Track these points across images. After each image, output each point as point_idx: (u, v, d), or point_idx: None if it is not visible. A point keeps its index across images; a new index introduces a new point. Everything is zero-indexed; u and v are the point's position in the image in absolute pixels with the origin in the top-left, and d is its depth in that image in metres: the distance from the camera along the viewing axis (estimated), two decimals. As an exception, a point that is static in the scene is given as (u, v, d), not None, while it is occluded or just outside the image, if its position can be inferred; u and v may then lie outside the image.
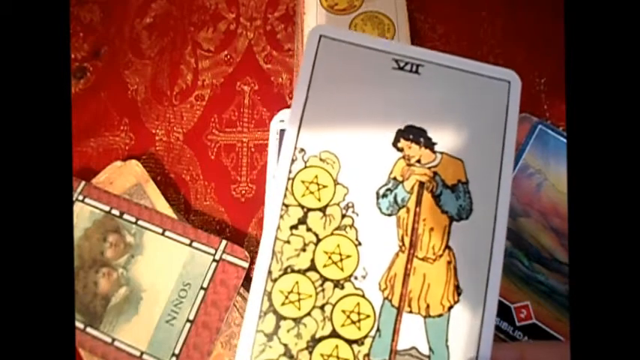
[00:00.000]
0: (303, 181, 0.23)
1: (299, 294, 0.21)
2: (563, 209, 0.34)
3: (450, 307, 0.22)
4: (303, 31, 0.37)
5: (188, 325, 0.34)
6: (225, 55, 0.45)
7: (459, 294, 0.22)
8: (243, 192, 0.40)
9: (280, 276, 0.22)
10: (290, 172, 0.23)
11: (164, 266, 0.35)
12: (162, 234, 0.36)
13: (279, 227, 0.22)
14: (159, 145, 0.43)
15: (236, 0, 0.46)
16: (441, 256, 0.22)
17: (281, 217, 0.22)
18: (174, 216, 0.37)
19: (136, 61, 0.45)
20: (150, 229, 0.36)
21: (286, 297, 0.21)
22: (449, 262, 0.22)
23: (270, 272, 0.22)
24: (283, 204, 0.22)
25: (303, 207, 0.22)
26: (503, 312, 0.33)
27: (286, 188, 0.22)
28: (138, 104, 0.44)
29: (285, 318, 0.21)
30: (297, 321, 0.21)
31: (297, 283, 0.22)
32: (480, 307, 0.21)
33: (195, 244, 0.36)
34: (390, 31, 0.37)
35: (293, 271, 0.22)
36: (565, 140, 0.35)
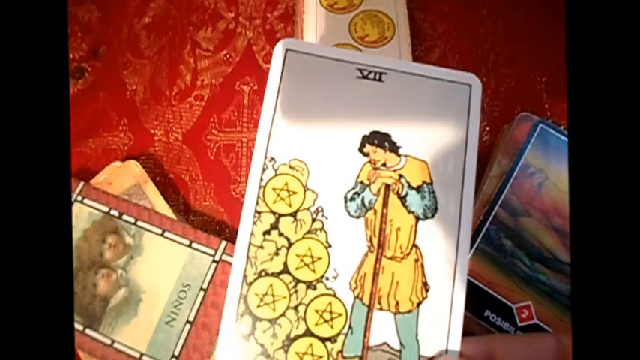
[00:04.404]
0: (274, 189, 0.24)
1: (273, 296, 0.23)
2: (564, 208, 0.34)
3: (419, 303, 0.22)
4: (303, 31, 0.37)
5: (188, 326, 0.34)
6: (225, 54, 0.45)
7: (427, 290, 0.23)
8: (243, 192, 0.40)
9: (255, 279, 0.23)
10: (261, 180, 0.24)
11: (163, 267, 0.35)
12: (162, 235, 0.36)
13: (252, 233, 0.23)
14: (158, 145, 0.42)
15: (235, -1, 0.46)
16: (408, 254, 0.23)
17: (254, 223, 0.23)
18: (173, 216, 0.37)
19: (134, 61, 0.45)
20: (149, 230, 0.36)
21: (261, 299, 0.22)
22: (416, 260, 0.23)
23: (245, 276, 0.23)
24: (255, 211, 0.24)
25: (274, 213, 0.24)
26: (505, 312, 0.33)
27: (258, 196, 0.24)
28: (137, 104, 0.44)
29: (260, 319, 0.22)
30: (272, 322, 0.22)
31: (271, 285, 0.23)
32: (447, 302, 0.22)
33: (194, 244, 0.36)
34: (389, 29, 0.37)
35: (267, 274, 0.23)
36: (566, 139, 0.35)
